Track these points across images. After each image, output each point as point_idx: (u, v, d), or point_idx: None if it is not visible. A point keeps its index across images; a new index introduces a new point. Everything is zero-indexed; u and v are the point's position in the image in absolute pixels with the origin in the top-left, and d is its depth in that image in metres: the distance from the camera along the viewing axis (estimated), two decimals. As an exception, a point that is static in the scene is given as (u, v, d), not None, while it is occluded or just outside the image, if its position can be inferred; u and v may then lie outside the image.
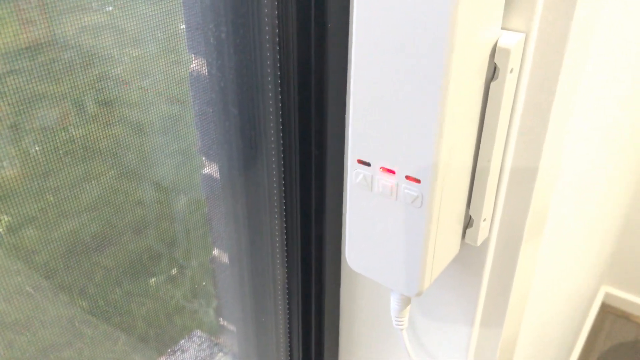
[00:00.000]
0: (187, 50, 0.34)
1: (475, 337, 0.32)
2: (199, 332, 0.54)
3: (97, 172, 0.53)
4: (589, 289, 1.03)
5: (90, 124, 0.48)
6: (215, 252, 0.44)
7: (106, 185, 0.53)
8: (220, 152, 0.34)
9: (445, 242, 0.27)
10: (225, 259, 0.41)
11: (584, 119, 0.36)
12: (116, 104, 0.49)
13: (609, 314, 1.20)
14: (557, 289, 0.56)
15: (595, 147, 0.47)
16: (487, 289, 0.31)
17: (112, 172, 0.53)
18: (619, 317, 1.18)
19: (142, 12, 0.43)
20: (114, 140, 0.50)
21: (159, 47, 0.44)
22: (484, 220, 0.28)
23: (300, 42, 0.28)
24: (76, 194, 0.49)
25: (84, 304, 0.66)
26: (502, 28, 0.25)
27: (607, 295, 1.23)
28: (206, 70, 0.32)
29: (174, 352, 0.51)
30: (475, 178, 0.27)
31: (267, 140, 0.31)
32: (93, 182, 0.51)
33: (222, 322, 0.48)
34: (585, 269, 0.92)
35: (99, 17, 0.43)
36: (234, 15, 0.28)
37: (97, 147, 0.49)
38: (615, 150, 0.64)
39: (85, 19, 0.40)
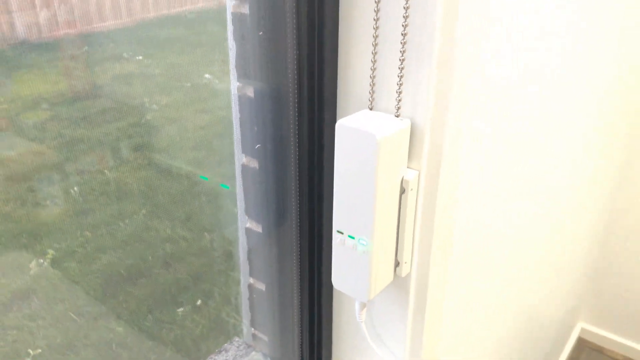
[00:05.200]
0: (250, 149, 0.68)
1: (409, 330, 0.65)
2: (237, 338, 0.87)
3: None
4: (563, 324, 1.33)
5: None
6: (252, 280, 0.78)
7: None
8: (263, 214, 0.68)
9: (382, 273, 0.60)
10: (262, 287, 0.75)
11: (487, 201, 0.70)
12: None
13: (585, 347, 1.50)
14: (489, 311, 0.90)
15: (537, 200, 0.81)
16: (412, 301, 0.64)
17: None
18: (593, 350, 1.48)
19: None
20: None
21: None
22: (405, 262, 0.62)
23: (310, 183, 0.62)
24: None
25: (146, 312, 1.01)
26: (408, 167, 0.59)
27: (583, 330, 1.53)
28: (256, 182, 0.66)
29: (220, 352, 0.84)
30: (398, 241, 0.60)
31: (291, 222, 0.65)
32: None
33: (255, 330, 0.81)
34: (554, 306, 1.23)
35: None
36: (275, 134, 0.63)
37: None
38: (578, 194, 0.99)
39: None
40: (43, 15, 0.81)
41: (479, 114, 0.64)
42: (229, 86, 0.77)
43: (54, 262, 1.16)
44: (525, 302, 1.06)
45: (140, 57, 1.12)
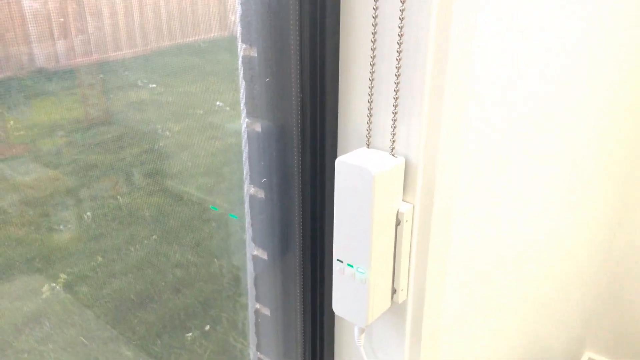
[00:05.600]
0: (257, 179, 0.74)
1: (407, 355, 0.70)
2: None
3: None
4: (569, 353, 1.36)
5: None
6: (258, 305, 0.84)
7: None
8: (268, 242, 0.74)
9: (380, 300, 0.66)
10: (267, 312, 0.80)
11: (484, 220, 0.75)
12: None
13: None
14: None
15: (532, 226, 0.86)
16: (409, 326, 0.69)
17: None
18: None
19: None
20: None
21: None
22: (402, 290, 0.67)
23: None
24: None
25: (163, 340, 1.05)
26: (403, 200, 0.65)
27: (590, 360, 1.55)
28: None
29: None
30: (395, 269, 0.66)
31: (295, 250, 0.71)
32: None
33: (261, 355, 0.86)
34: (559, 333, 1.27)
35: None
36: (279, 172, 0.69)
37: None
38: (576, 221, 1.03)
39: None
40: (60, 45, 0.88)
41: (473, 145, 0.70)
42: (240, 114, 0.83)
43: (66, 286, 1.21)
44: (528, 329, 1.10)
45: (154, 85, 1.18)
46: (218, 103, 1.35)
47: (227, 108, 1.28)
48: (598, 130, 1.10)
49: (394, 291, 0.68)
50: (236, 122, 0.90)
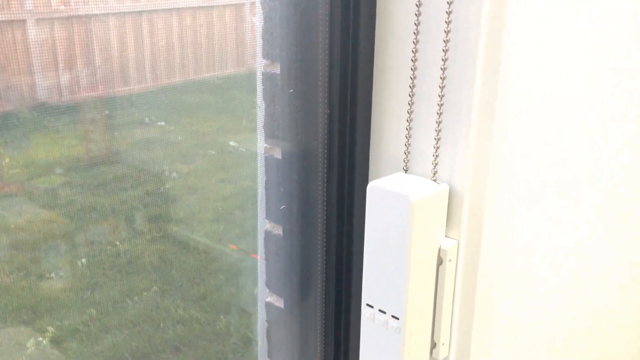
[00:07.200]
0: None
1: None
2: None
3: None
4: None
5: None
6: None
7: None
8: (286, 287, 0.67)
9: (416, 355, 0.58)
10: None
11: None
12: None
13: None
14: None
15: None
16: (450, 390, 0.60)
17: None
18: None
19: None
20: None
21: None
22: (443, 344, 0.59)
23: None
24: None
25: None
26: (446, 236, 0.58)
27: None
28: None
29: None
30: (435, 318, 0.58)
31: (316, 295, 0.64)
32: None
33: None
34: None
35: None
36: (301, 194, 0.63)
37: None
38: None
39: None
40: (65, 78, 0.84)
41: (531, 171, 0.63)
42: (255, 155, 0.80)
43: (54, 341, 1.13)
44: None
45: (163, 123, 1.15)
46: (232, 143, 1.30)
47: (242, 149, 1.23)
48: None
49: (433, 345, 0.60)
50: (251, 163, 0.85)
